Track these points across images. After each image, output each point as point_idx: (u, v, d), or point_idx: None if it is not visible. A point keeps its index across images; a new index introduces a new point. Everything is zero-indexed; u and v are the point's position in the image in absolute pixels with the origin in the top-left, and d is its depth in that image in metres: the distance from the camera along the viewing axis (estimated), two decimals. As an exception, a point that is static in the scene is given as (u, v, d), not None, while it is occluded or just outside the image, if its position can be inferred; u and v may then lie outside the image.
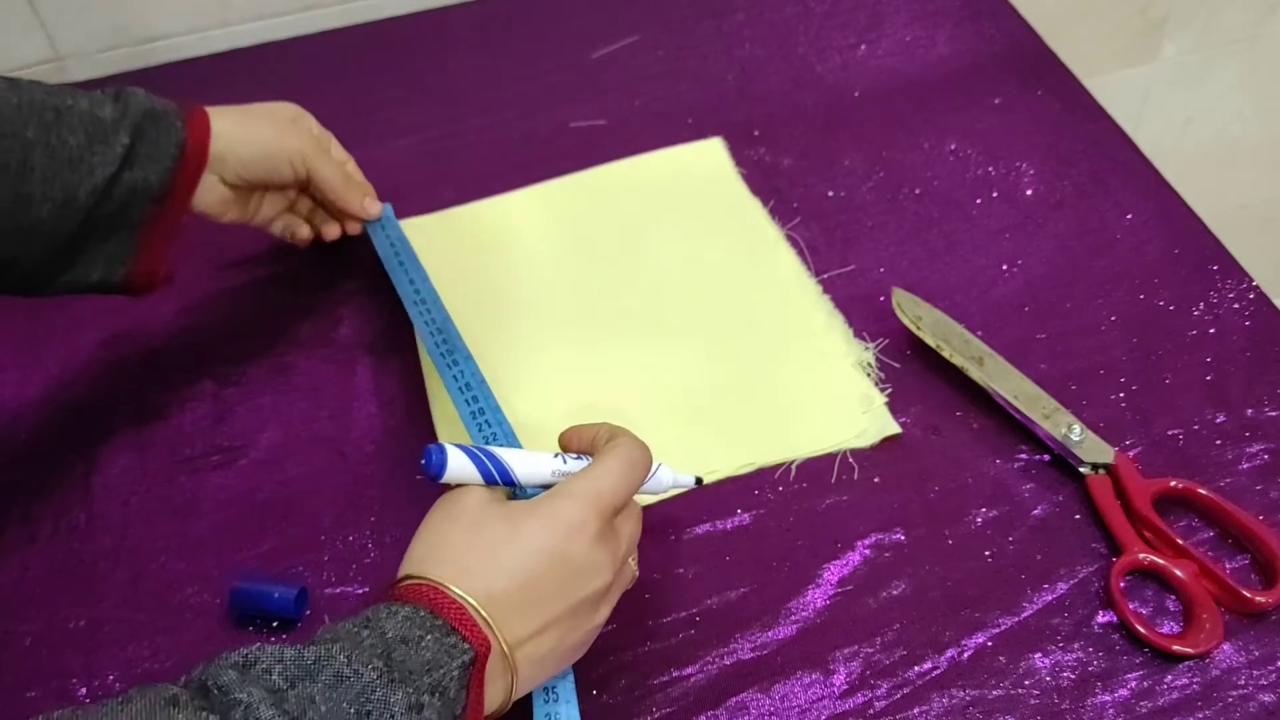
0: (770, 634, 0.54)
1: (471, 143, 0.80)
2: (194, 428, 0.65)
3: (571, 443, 0.53)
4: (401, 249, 0.69)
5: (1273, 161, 1.39)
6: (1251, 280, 0.68)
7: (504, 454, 0.49)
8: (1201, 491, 0.57)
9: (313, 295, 0.71)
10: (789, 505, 0.59)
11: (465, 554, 0.45)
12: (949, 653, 0.53)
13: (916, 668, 0.53)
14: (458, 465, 0.47)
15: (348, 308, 0.71)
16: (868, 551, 0.57)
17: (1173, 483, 0.57)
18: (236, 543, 0.60)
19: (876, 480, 0.60)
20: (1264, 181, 1.42)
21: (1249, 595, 0.53)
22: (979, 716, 0.51)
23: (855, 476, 0.60)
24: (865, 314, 0.67)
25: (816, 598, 0.56)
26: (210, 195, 0.62)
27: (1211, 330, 0.65)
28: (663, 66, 0.85)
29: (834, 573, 0.56)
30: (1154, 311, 0.67)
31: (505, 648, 0.44)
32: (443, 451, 0.47)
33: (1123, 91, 1.21)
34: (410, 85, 0.85)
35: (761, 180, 0.76)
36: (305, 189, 0.67)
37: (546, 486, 0.49)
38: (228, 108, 0.63)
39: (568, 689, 0.50)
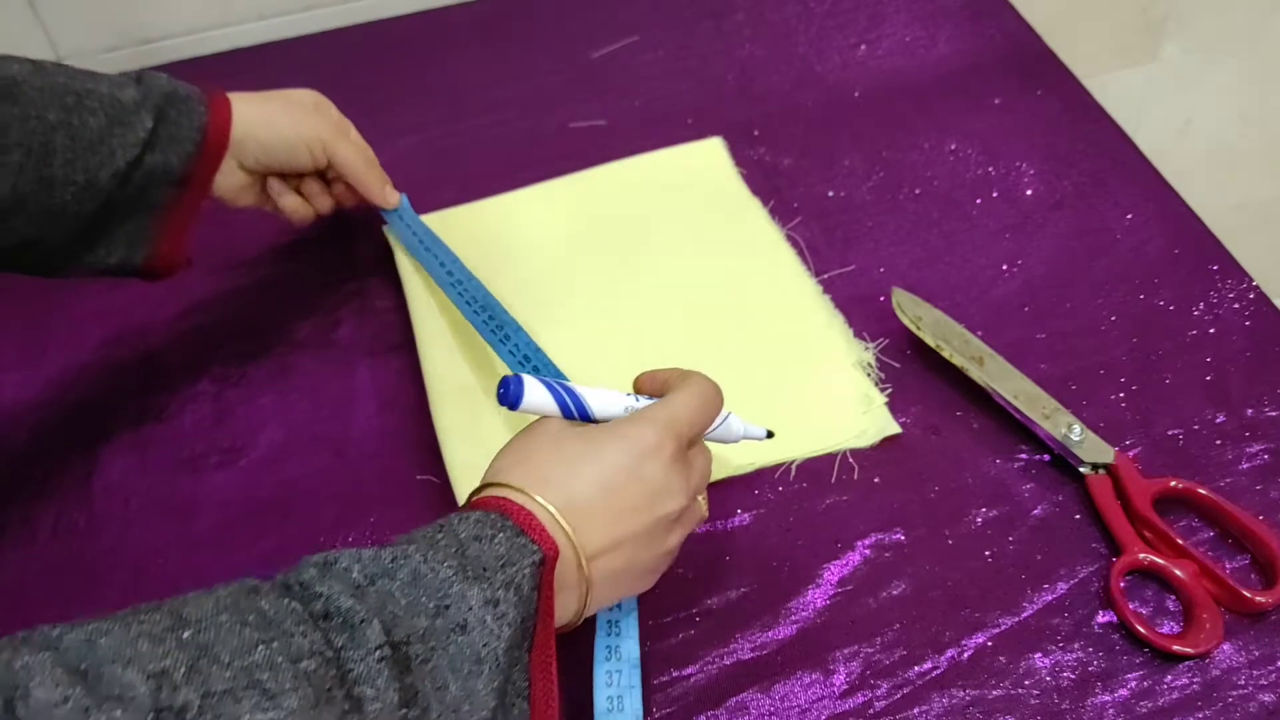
0: (770, 634, 0.54)
1: (471, 143, 0.80)
2: (194, 428, 0.65)
3: (644, 385, 0.53)
4: (424, 236, 0.70)
5: (1273, 161, 1.39)
6: (1251, 280, 0.68)
7: (580, 388, 0.50)
8: (1201, 491, 0.57)
9: (313, 296, 0.71)
10: (789, 505, 0.59)
11: (546, 466, 0.46)
12: (949, 653, 0.53)
13: (916, 668, 0.53)
14: (535, 396, 0.48)
15: (348, 308, 0.71)
16: (868, 551, 0.57)
17: (1173, 483, 0.57)
18: (237, 543, 0.60)
19: (876, 480, 0.60)
20: (1264, 181, 1.42)
21: (1249, 595, 0.53)
22: (979, 716, 0.51)
23: (855, 476, 0.60)
24: (865, 314, 0.67)
25: (816, 598, 0.56)
26: (228, 180, 0.63)
27: (1211, 330, 0.65)
28: (663, 66, 0.85)
29: (834, 573, 0.56)
30: (1154, 311, 0.67)
31: (583, 557, 0.45)
32: (520, 382, 0.48)
33: (1123, 91, 1.21)
34: (410, 85, 0.85)
35: (761, 180, 0.76)
36: (322, 175, 0.68)
37: None
38: (249, 94, 0.63)
39: (631, 625, 0.51)
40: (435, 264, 0.68)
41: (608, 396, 0.51)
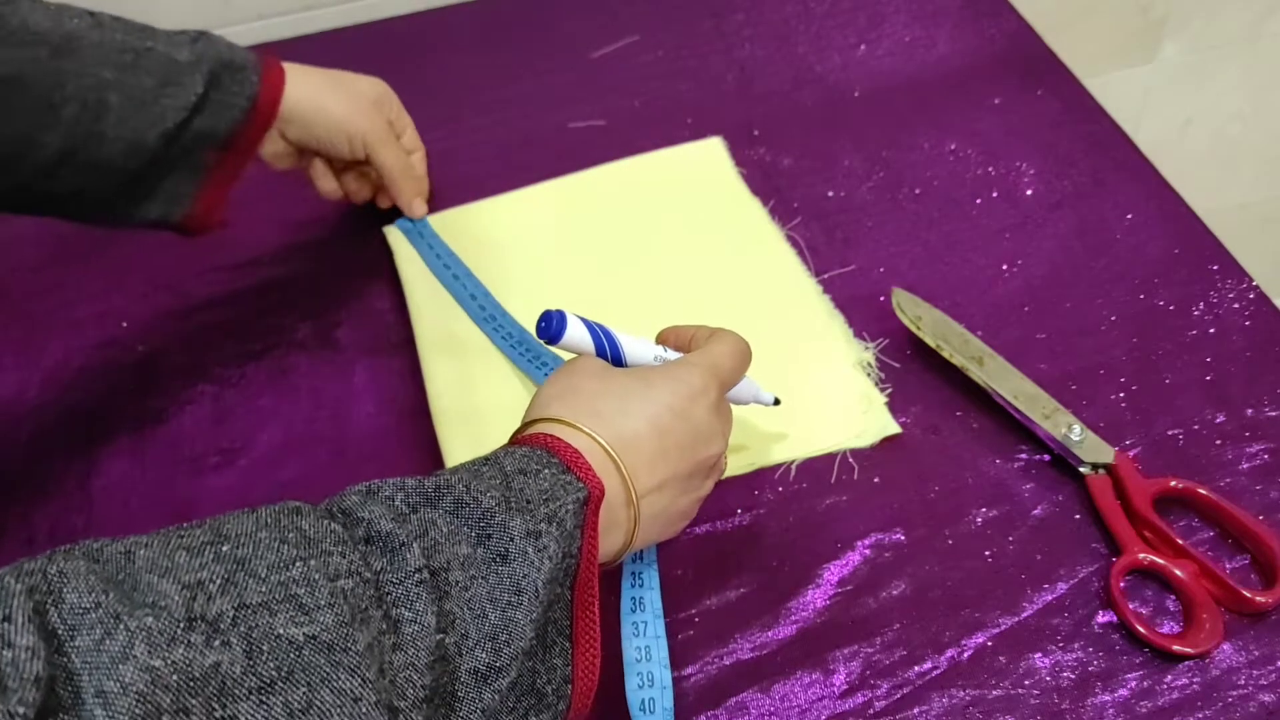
0: (770, 634, 0.54)
1: (471, 143, 0.80)
2: (193, 429, 0.65)
3: (668, 339, 0.54)
4: (439, 247, 0.71)
5: (1273, 161, 1.39)
6: (1251, 280, 0.68)
7: (616, 332, 0.51)
8: (1201, 491, 0.57)
9: (312, 297, 0.71)
10: (789, 505, 0.59)
11: (596, 399, 0.47)
12: (949, 653, 0.53)
13: (916, 668, 0.53)
14: (575, 332, 0.49)
15: (346, 309, 0.71)
16: (868, 551, 0.57)
17: (1173, 483, 0.57)
18: (236, 543, 0.60)
19: (876, 480, 0.60)
20: (1264, 181, 1.42)
21: (1249, 595, 0.53)
22: (979, 716, 0.51)
23: (855, 476, 0.60)
24: (865, 314, 0.67)
25: (816, 598, 0.56)
26: (271, 146, 0.64)
27: (1211, 330, 0.65)
28: (663, 66, 0.85)
29: (834, 573, 0.56)
30: (1154, 311, 0.66)
31: (633, 492, 0.45)
32: (563, 317, 0.49)
33: (1123, 91, 1.21)
34: (410, 85, 0.85)
35: (761, 180, 0.76)
36: (363, 163, 0.69)
37: None
38: (314, 71, 0.64)
39: (653, 576, 0.52)
40: (449, 276, 0.69)
41: (639, 344, 0.52)
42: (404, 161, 0.69)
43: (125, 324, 0.71)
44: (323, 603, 0.35)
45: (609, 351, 0.51)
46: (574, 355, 0.51)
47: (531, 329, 0.65)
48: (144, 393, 0.67)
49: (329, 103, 0.64)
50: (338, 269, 0.73)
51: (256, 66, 0.60)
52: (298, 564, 0.35)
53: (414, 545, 0.38)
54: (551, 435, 0.45)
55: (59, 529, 0.61)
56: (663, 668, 0.50)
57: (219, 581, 0.34)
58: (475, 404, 0.63)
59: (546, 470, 0.43)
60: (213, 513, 0.60)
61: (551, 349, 0.53)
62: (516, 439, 0.46)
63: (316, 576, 0.35)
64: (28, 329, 0.71)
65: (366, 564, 0.37)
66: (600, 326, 0.51)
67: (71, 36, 0.54)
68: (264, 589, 0.34)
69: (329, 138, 0.65)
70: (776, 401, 0.57)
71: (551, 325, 0.49)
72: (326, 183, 0.70)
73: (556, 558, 0.41)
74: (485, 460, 0.43)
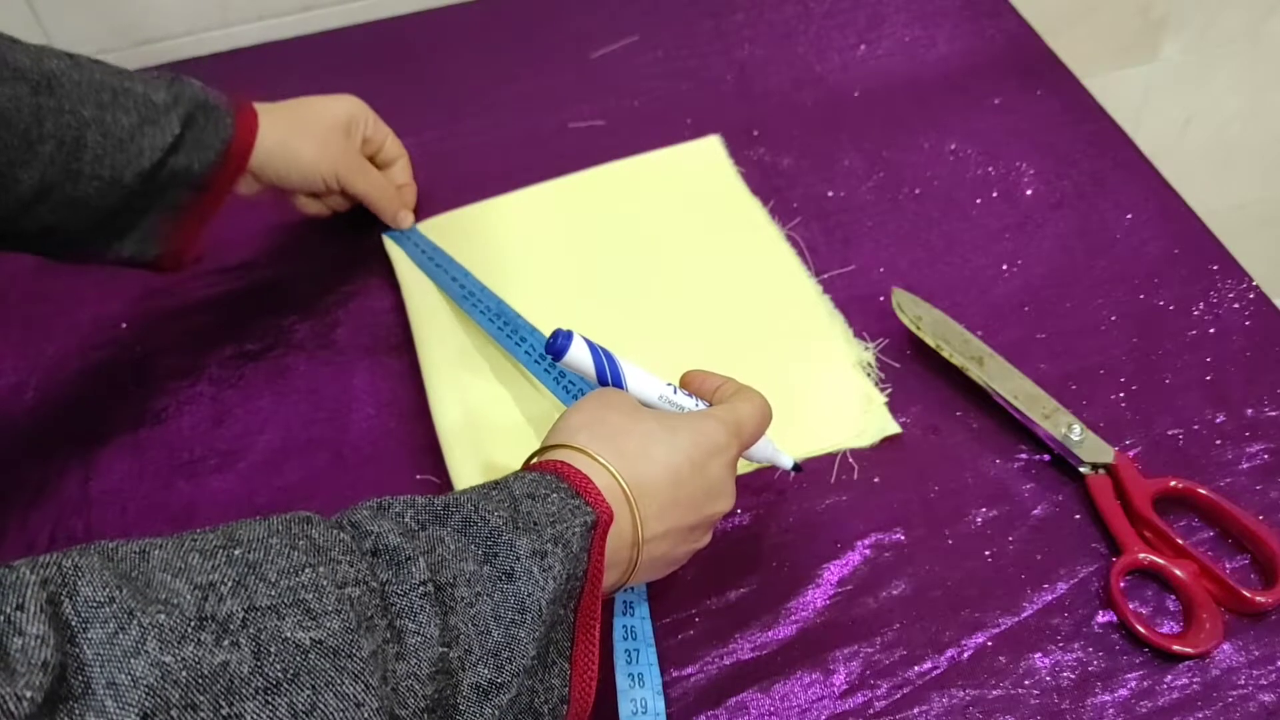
0: (770, 634, 0.54)
1: (471, 143, 0.80)
2: (192, 431, 0.65)
3: (691, 384, 0.54)
4: (431, 251, 0.71)
5: (1273, 161, 1.39)
6: (1251, 280, 0.68)
7: (621, 361, 0.51)
8: (1201, 491, 0.57)
9: (310, 298, 0.71)
10: (789, 505, 0.59)
11: (621, 437, 0.47)
12: (949, 653, 0.53)
13: (916, 668, 0.53)
14: (578, 353, 0.50)
15: (345, 310, 0.71)
16: (868, 551, 0.57)
17: (1173, 483, 0.57)
18: (236, 544, 0.60)
19: (876, 480, 0.60)
20: (1264, 181, 1.42)
21: (1249, 595, 0.53)
22: (979, 716, 0.51)
23: (855, 476, 0.60)
24: (865, 314, 0.67)
25: (816, 598, 0.56)
26: (245, 186, 0.65)
27: (1211, 330, 0.65)
28: (662, 66, 0.85)
29: (834, 573, 0.56)
30: (1154, 311, 0.66)
31: (640, 535, 0.45)
32: (570, 336, 0.49)
33: (1123, 91, 1.21)
34: (410, 85, 0.85)
35: (761, 180, 0.76)
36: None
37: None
38: (281, 112, 0.65)
39: (644, 606, 0.52)
40: (446, 278, 0.69)
41: (645, 379, 0.51)
42: (379, 185, 0.70)
43: (124, 325, 0.71)
44: (330, 608, 0.35)
45: (610, 380, 0.50)
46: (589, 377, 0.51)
47: (535, 328, 0.65)
48: (143, 394, 0.67)
49: (297, 147, 0.64)
50: (336, 270, 0.73)
51: (230, 109, 0.61)
52: (307, 570, 0.36)
53: (420, 560, 0.39)
54: (563, 462, 0.45)
55: (58, 531, 0.61)
56: (656, 695, 0.50)
57: (230, 583, 0.35)
58: (477, 405, 0.63)
59: (555, 494, 0.43)
60: (212, 515, 0.61)
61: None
62: (529, 465, 0.46)
63: (324, 583, 0.36)
64: (26, 330, 0.71)
65: (373, 574, 0.38)
66: (607, 354, 0.51)
67: (51, 75, 0.55)
68: (274, 593, 0.35)
69: (302, 180, 0.66)
70: (798, 468, 0.57)
71: (557, 342, 0.49)
72: (312, 207, 0.72)
73: (561, 579, 0.41)
74: (495, 484, 0.44)
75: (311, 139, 0.65)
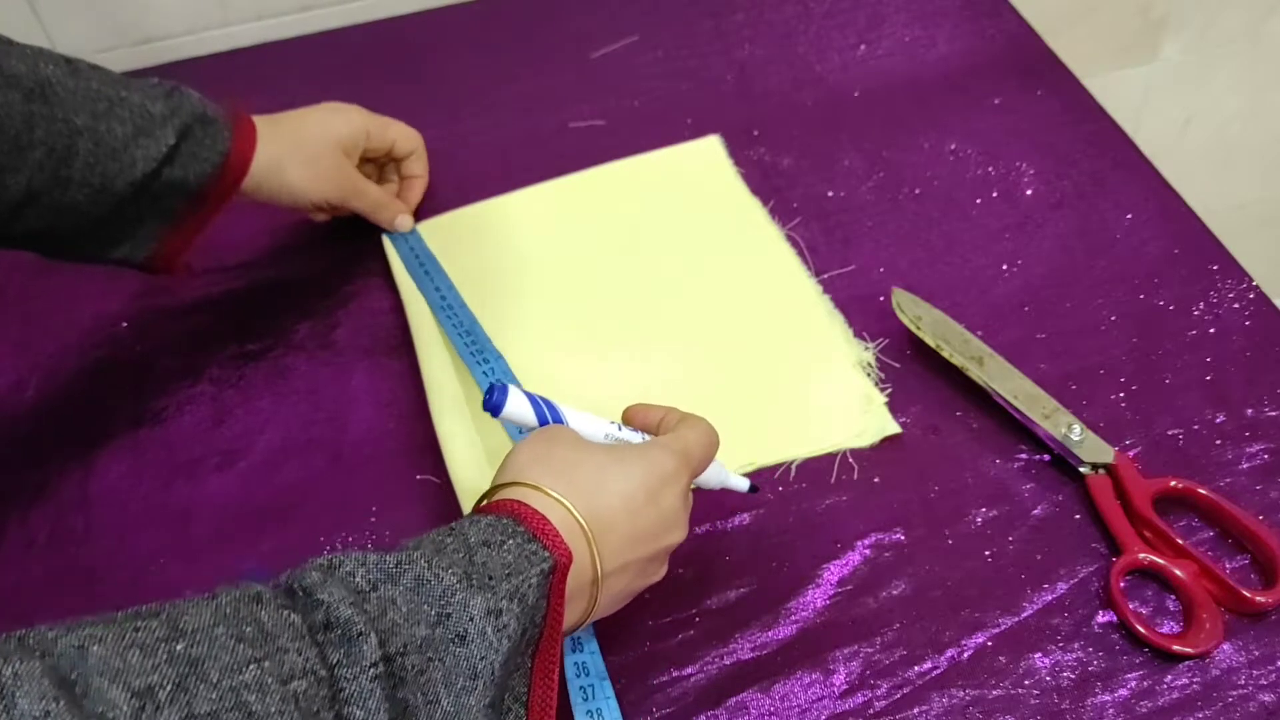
0: (770, 634, 0.54)
1: (471, 143, 0.80)
2: (192, 431, 0.65)
3: (635, 419, 0.53)
4: (424, 257, 0.71)
5: (1273, 161, 1.39)
6: (1251, 280, 0.68)
7: (563, 408, 0.50)
8: (1201, 491, 0.57)
9: (310, 298, 0.71)
10: (789, 505, 0.59)
11: (573, 470, 0.46)
12: (949, 653, 0.53)
13: (916, 668, 0.53)
14: (516, 406, 0.48)
15: (345, 310, 0.71)
16: (868, 551, 0.57)
17: (1173, 483, 0.57)
18: (235, 547, 0.60)
19: (876, 480, 0.60)
20: (1264, 181, 1.42)
21: (1249, 595, 0.53)
22: (979, 716, 0.51)
23: (855, 476, 0.60)
24: (865, 314, 0.67)
25: (816, 598, 0.56)
26: (242, 197, 0.64)
27: (1211, 330, 0.65)
28: (662, 66, 0.85)
29: (834, 573, 0.56)
30: (1154, 311, 0.66)
31: (599, 571, 0.44)
32: (505, 390, 0.48)
33: (1123, 91, 1.21)
34: (410, 85, 0.85)
35: (761, 180, 0.76)
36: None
37: None
38: (278, 130, 0.64)
39: (592, 641, 0.52)
40: (431, 289, 0.68)
41: (591, 422, 0.50)
42: (375, 200, 0.71)
43: (124, 324, 0.71)
44: (272, 710, 0.34)
45: (551, 422, 0.50)
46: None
47: (529, 330, 0.65)
48: (142, 394, 0.67)
49: (290, 175, 0.64)
50: (336, 270, 0.73)
51: (229, 122, 0.60)
52: (251, 667, 0.35)
53: (371, 635, 0.37)
54: (520, 502, 0.44)
55: (58, 530, 0.61)
56: None
57: (170, 686, 0.33)
58: (475, 405, 0.63)
59: (511, 541, 0.42)
60: (212, 514, 0.61)
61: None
62: (484, 506, 0.45)
63: (269, 680, 0.35)
64: (26, 329, 0.71)
65: (323, 659, 0.37)
66: (546, 401, 0.50)
67: (46, 82, 0.54)
68: (214, 695, 0.34)
69: (293, 203, 0.66)
70: (754, 489, 0.56)
71: (493, 398, 0.48)
72: (317, 215, 0.72)
73: (516, 635, 0.40)
74: (450, 530, 0.43)
75: (305, 164, 0.65)
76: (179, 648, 0.34)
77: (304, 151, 0.65)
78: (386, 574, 0.40)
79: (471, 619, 0.39)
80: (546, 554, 0.42)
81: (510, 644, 0.40)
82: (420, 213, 0.75)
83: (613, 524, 0.45)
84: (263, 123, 0.63)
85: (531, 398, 0.49)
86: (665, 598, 0.55)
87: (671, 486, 0.47)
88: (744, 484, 0.56)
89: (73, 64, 0.57)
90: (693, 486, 0.52)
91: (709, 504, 0.59)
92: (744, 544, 0.58)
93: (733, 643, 0.54)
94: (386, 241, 0.73)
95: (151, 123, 0.57)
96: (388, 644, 0.38)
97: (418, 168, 0.74)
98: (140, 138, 0.57)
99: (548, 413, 0.49)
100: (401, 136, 0.72)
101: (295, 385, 0.67)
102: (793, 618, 0.55)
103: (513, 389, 0.49)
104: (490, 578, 0.41)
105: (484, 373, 0.62)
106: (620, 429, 0.51)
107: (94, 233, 0.59)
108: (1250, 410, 0.61)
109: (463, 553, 0.41)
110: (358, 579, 0.39)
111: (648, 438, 0.51)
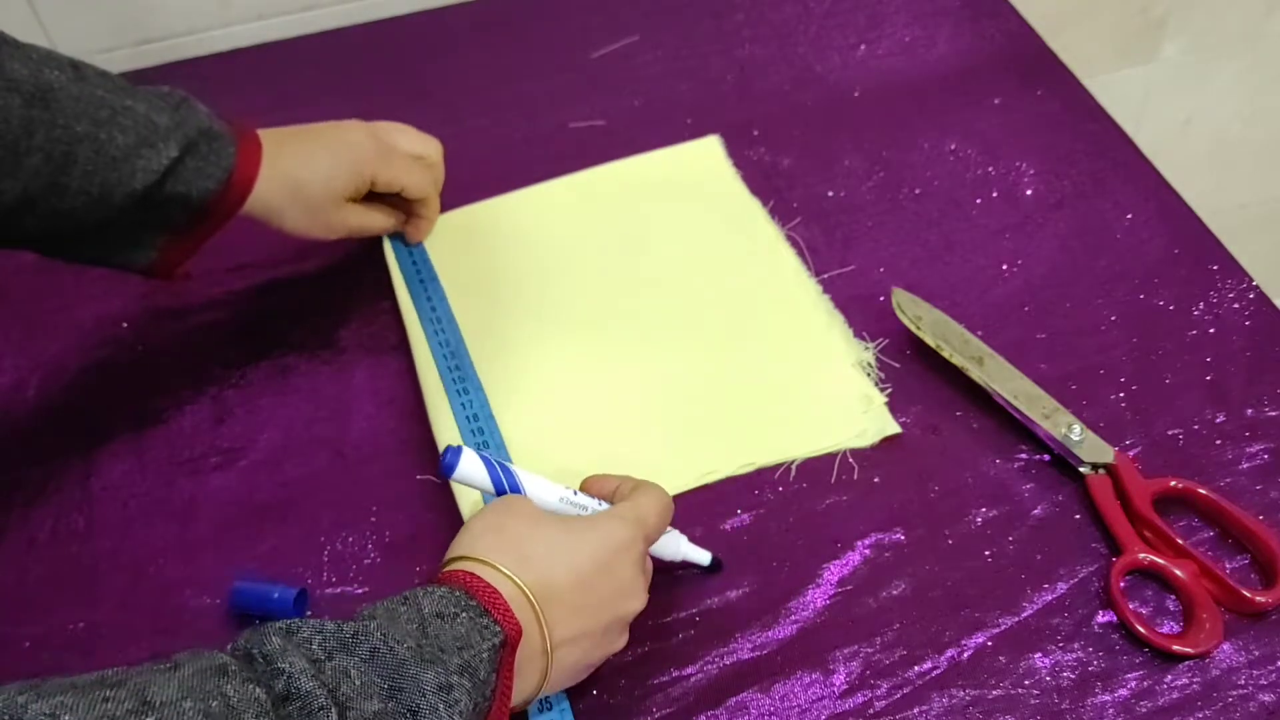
0: (770, 634, 0.54)
1: (470, 143, 0.80)
2: (193, 430, 0.65)
3: (591, 487, 0.54)
4: (423, 267, 0.70)
5: (1273, 161, 1.39)
6: (1251, 280, 0.68)
7: (517, 471, 0.51)
8: (1201, 491, 0.57)
9: (311, 297, 0.71)
10: (789, 505, 0.59)
11: (524, 544, 0.46)
12: (949, 653, 0.53)
13: (916, 668, 0.53)
14: (469, 468, 0.49)
15: (346, 309, 0.71)
16: (868, 551, 0.57)
17: (1173, 483, 0.57)
18: (236, 544, 0.60)
19: (876, 480, 0.60)
20: (1264, 181, 1.42)
21: (1249, 595, 0.53)
22: (979, 716, 0.51)
23: (855, 476, 0.60)
24: (865, 314, 0.67)
25: (816, 598, 0.56)
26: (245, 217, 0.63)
27: (1211, 330, 0.65)
28: (663, 66, 0.85)
29: (834, 573, 0.56)
30: (1154, 311, 0.66)
31: (549, 643, 0.45)
32: (458, 453, 0.49)
33: (1123, 91, 1.21)
34: (409, 86, 0.85)
35: (761, 180, 0.76)
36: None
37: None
38: (280, 159, 0.61)
39: (563, 699, 0.51)
40: (424, 300, 0.68)
41: (545, 485, 0.51)
42: (378, 226, 0.69)
43: (125, 324, 0.71)
44: None
45: (509, 490, 0.50)
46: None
47: (529, 329, 0.65)
48: (144, 393, 0.67)
49: (289, 221, 0.63)
50: (337, 269, 0.73)
51: (233, 139, 0.59)
52: None
53: (332, 710, 0.38)
54: (473, 574, 0.45)
55: (60, 529, 0.61)
56: None
57: None
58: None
59: (464, 614, 0.43)
60: (213, 513, 0.61)
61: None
62: (438, 576, 0.46)
63: None
64: (28, 329, 0.71)
65: None
66: (502, 465, 0.50)
67: (48, 87, 0.54)
68: None
69: (291, 235, 0.64)
70: (716, 564, 0.56)
71: (446, 458, 0.49)
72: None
73: (467, 711, 0.41)
74: (404, 599, 0.43)
75: (304, 213, 0.63)
76: None
77: (303, 200, 0.62)
78: (343, 644, 0.40)
79: (424, 694, 0.40)
80: (498, 628, 0.43)
81: (462, 718, 0.41)
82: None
83: (561, 596, 0.46)
84: (269, 144, 0.61)
85: (486, 460, 0.50)
86: (665, 598, 0.55)
87: (624, 555, 0.48)
88: (704, 556, 0.56)
89: (79, 69, 0.56)
90: (652, 556, 0.52)
91: (710, 504, 0.59)
92: (744, 544, 0.58)
93: (733, 643, 0.54)
94: (386, 244, 0.73)
95: (155, 134, 0.56)
96: (344, 717, 0.38)
97: (426, 210, 0.71)
98: (143, 148, 0.56)
99: (503, 476, 0.50)
100: (413, 184, 0.67)
101: (296, 384, 0.67)
102: (793, 618, 0.55)
103: (467, 451, 0.49)
104: (442, 650, 0.41)
105: (461, 404, 0.62)
106: (575, 494, 0.52)
107: (94, 238, 0.58)
108: (1250, 410, 0.61)
109: (416, 624, 0.42)
110: (314, 646, 0.40)
111: (604, 505, 0.52)
